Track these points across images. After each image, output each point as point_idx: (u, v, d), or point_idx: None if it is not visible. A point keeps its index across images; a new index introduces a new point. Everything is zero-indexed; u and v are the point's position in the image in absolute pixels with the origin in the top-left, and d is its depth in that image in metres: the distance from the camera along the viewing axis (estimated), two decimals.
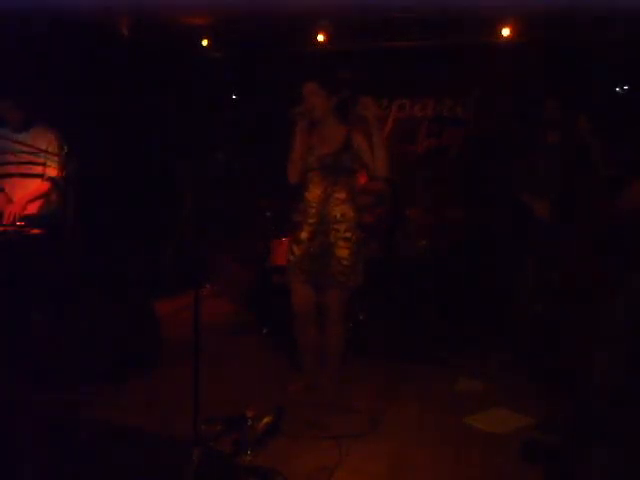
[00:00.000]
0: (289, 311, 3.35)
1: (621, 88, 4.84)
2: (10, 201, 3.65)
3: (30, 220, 3.58)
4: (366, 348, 4.02)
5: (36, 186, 3.72)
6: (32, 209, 3.67)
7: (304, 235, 3.21)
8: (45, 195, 3.73)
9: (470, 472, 2.64)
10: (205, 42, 5.69)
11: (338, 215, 3.17)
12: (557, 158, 3.71)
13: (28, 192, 3.68)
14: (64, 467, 2.49)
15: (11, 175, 3.73)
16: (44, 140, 3.70)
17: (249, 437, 2.62)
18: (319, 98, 3.16)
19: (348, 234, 3.17)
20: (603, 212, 3.36)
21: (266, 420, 2.80)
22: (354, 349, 3.81)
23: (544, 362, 3.63)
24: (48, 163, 3.71)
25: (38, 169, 3.72)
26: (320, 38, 5.40)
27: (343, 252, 3.15)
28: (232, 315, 5.06)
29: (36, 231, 3.54)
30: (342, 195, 3.18)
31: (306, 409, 3.14)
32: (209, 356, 2.93)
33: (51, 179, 3.73)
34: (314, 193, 3.19)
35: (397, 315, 4.25)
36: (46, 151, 3.66)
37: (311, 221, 3.19)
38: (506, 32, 5.00)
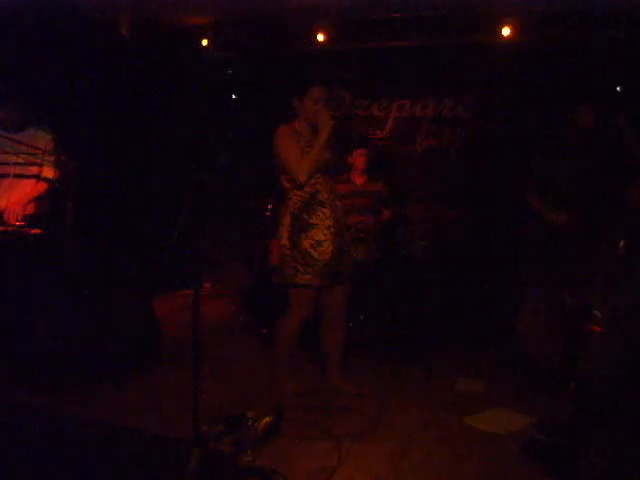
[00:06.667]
0: (299, 313, 3.33)
1: (621, 88, 4.84)
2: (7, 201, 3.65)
3: (30, 220, 3.58)
4: (366, 348, 4.02)
5: (33, 187, 3.71)
6: (31, 210, 3.66)
7: (321, 237, 3.20)
8: (43, 196, 3.73)
9: (470, 472, 2.64)
10: (205, 42, 5.69)
11: (343, 216, 3.31)
12: (584, 164, 3.55)
13: (26, 193, 3.68)
14: (64, 467, 2.49)
15: (7, 176, 3.72)
16: (41, 140, 3.69)
17: (249, 437, 2.62)
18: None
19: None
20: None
21: (266, 420, 2.80)
22: (354, 350, 3.81)
23: (543, 361, 3.62)
24: (45, 164, 3.71)
25: (34, 169, 3.72)
26: (320, 38, 5.40)
27: (356, 248, 3.33)
28: (232, 315, 5.06)
29: (36, 231, 3.53)
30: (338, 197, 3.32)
31: (306, 409, 3.14)
32: (209, 356, 2.94)
33: (47, 180, 3.72)
34: (323, 195, 3.23)
35: (397, 315, 4.25)
36: (44, 151, 3.66)
37: (328, 223, 3.21)
38: (506, 32, 5.00)
